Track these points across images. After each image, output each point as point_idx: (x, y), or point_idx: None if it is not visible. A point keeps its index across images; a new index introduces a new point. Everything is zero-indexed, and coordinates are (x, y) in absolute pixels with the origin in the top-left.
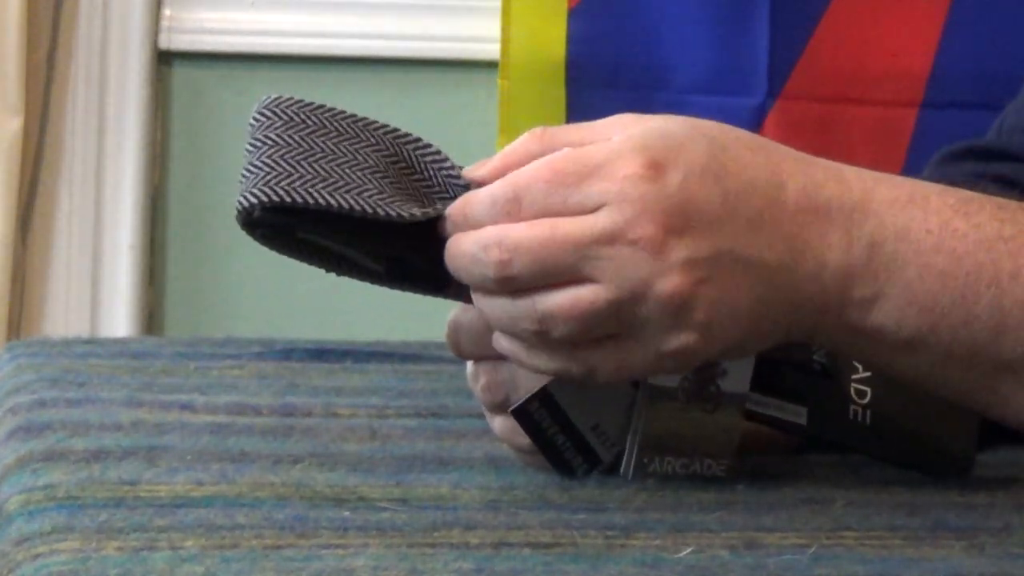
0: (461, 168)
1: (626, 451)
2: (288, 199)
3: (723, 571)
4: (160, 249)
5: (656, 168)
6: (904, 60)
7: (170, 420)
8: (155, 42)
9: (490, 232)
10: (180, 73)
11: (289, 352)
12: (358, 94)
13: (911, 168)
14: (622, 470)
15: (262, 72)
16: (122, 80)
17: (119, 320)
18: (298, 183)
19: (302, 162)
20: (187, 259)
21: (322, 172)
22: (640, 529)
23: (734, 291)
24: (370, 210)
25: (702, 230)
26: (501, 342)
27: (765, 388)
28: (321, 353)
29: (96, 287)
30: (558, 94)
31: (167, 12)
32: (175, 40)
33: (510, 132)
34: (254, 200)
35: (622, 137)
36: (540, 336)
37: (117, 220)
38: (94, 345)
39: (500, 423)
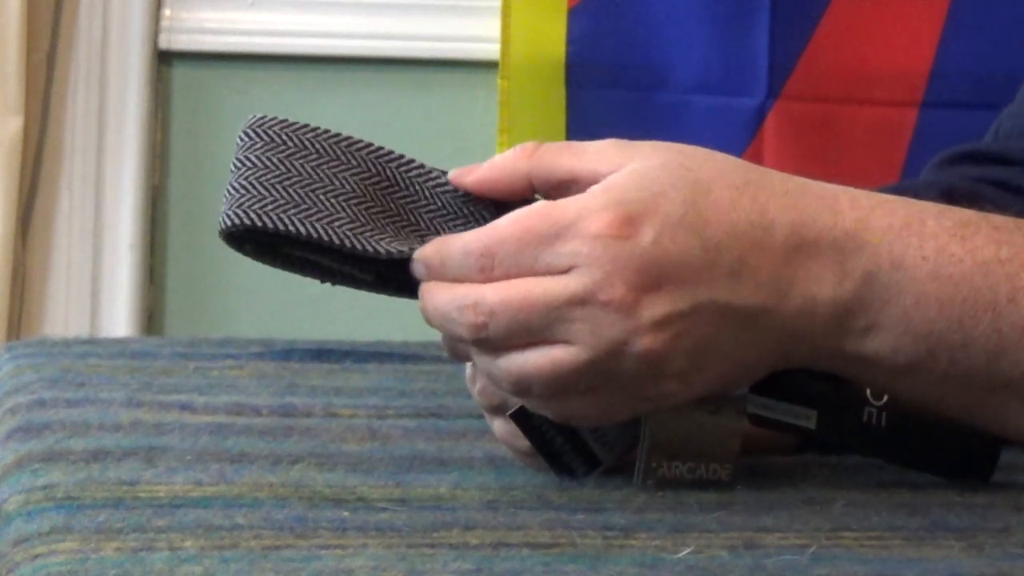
0: (446, 173)
1: (638, 457)
2: (259, 223)
3: (722, 571)
4: (160, 249)
5: (628, 225)
6: (904, 60)
7: (169, 420)
8: (155, 42)
9: (466, 292)
10: (180, 73)
11: (289, 352)
12: (358, 94)
13: (911, 168)
14: (635, 478)
15: (262, 72)
16: (122, 80)
17: (119, 320)
18: (270, 207)
19: (277, 185)
20: (187, 259)
21: (295, 197)
22: (639, 529)
23: (714, 339)
24: (337, 241)
25: (678, 285)
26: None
27: (773, 391)
28: (321, 353)
29: (96, 287)
30: (558, 94)
31: (167, 12)
32: (175, 40)
33: (510, 132)
34: (227, 222)
35: (597, 188)
36: (519, 393)
37: (117, 220)
38: (94, 345)
39: (500, 425)
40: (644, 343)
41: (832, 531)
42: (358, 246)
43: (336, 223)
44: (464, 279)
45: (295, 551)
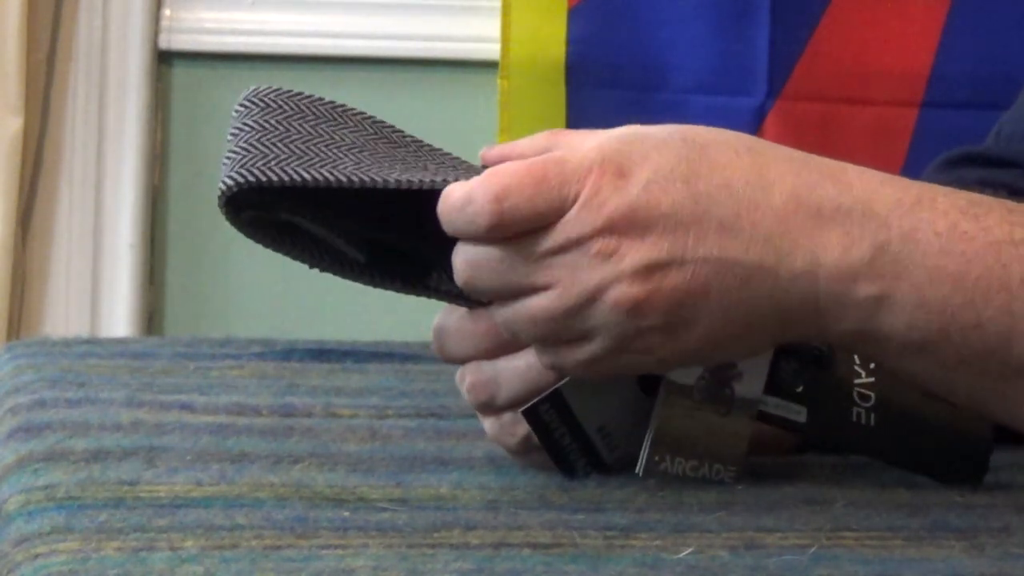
0: (438, 149)
1: (642, 448)
2: (264, 178)
3: (723, 571)
4: (160, 249)
5: (617, 174)
6: (904, 60)
7: (170, 420)
8: (155, 42)
9: (457, 250)
10: (180, 73)
11: (289, 352)
12: (358, 94)
13: (911, 168)
14: (637, 468)
15: (262, 72)
16: (122, 80)
17: (119, 320)
18: (273, 163)
19: (278, 143)
20: (187, 259)
21: (297, 151)
22: (640, 529)
23: (703, 293)
24: (344, 180)
25: (664, 233)
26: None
27: (765, 385)
28: (321, 353)
29: (96, 287)
30: (558, 94)
31: (167, 12)
32: (175, 40)
33: (510, 132)
34: (231, 183)
35: (598, 140)
36: (515, 339)
37: (117, 220)
38: (94, 345)
39: (490, 424)
40: (622, 289)
41: (833, 531)
42: (367, 179)
43: (340, 166)
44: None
45: (296, 551)
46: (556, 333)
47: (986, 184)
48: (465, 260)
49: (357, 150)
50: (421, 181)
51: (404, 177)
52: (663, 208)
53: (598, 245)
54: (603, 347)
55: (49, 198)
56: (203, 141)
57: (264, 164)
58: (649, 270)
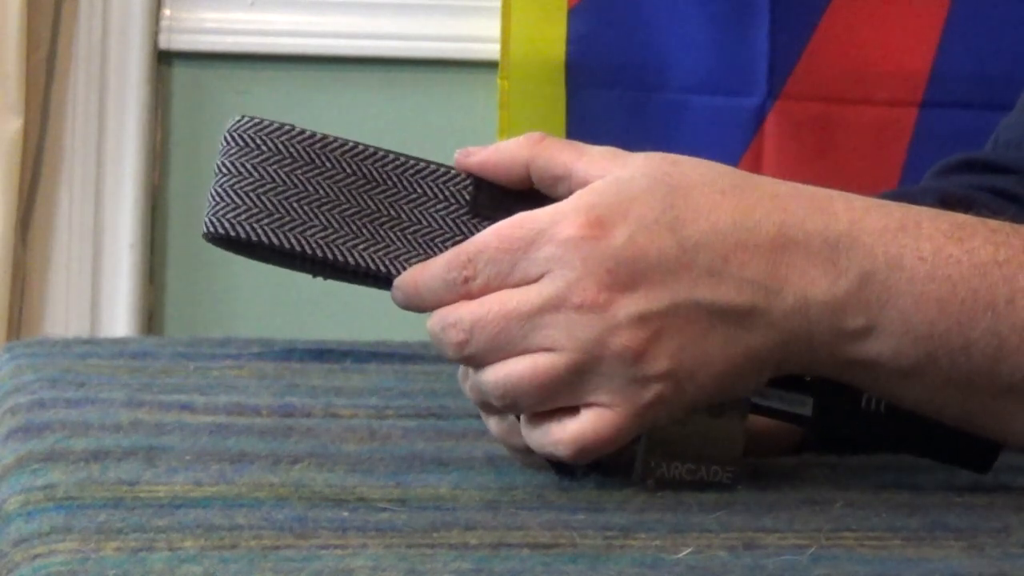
0: (425, 161)
1: (636, 456)
2: (233, 233)
3: (722, 572)
4: (160, 249)
5: (599, 226)
6: (904, 60)
7: (170, 420)
8: (155, 42)
9: (446, 312)
10: (180, 73)
11: (289, 352)
12: (358, 94)
13: (911, 168)
14: (633, 475)
15: (262, 72)
16: (122, 80)
17: (119, 320)
18: (244, 216)
19: (251, 193)
20: (187, 259)
21: (269, 206)
22: (639, 529)
23: (700, 338)
24: (309, 251)
25: (654, 283)
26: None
27: (769, 379)
28: (321, 353)
29: (96, 287)
30: (558, 94)
31: (167, 12)
32: (175, 40)
33: (510, 132)
34: (206, 228)
35: (574, 195)
36: (509, 408)
37: (117, 220)
38: (94, 345)
39: (495, 423)
40: (622, 341)
41: (832, 531)
42: (329, 255)
43: (309, 231)
44: (441, 301)
45: (295, 551)
46: (557, 396)
47: (981, 190)
48: (456, 327)
49: (330, 206)
50: (379, 267)
51: (368, 254)
52: (650, 258)
53: (589, 300)
54: (610, 408)
55: (49, 198)
56: (203, 141)
57: (235, 216)
58: (644, 319)
